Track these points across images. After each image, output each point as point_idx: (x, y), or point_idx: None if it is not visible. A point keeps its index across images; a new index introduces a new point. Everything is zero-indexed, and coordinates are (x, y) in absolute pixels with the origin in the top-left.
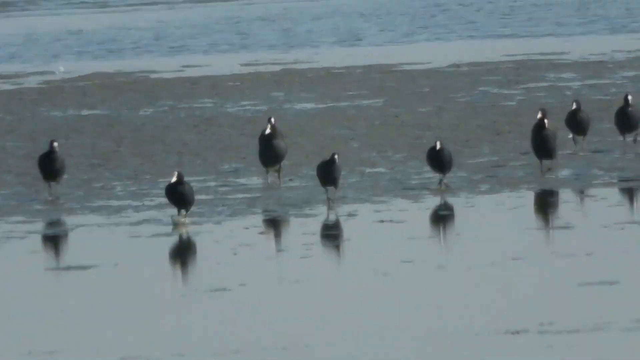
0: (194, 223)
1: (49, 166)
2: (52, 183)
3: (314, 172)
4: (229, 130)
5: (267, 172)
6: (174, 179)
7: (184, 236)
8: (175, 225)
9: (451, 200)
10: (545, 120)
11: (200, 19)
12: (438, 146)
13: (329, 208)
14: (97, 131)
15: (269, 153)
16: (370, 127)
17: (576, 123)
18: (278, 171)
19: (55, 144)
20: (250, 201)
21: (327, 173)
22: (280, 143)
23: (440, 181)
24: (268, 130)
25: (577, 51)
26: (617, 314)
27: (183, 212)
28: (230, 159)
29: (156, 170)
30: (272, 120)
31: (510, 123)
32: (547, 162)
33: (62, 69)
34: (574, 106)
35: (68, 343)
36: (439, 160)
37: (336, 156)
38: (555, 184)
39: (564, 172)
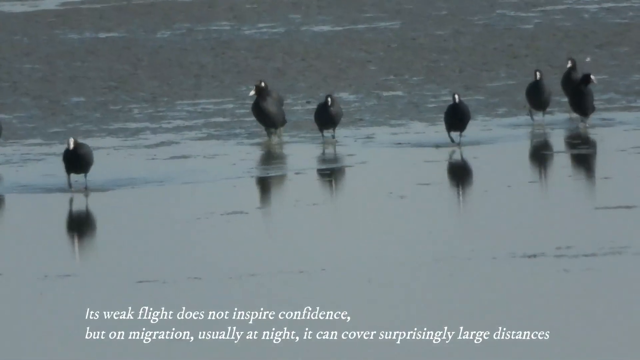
0: (210, 147)
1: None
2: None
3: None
4: (246, 53)
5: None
6: (71, 146)
7: (201, 158)
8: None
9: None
10: (592, 77)
11: None
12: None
13: (328, 148)
14: (114, 54)
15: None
16: (387, 50)
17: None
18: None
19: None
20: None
21: (324, 117)
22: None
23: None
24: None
25: None
26: (634, 238)
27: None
28: (247, 81)
29: (173, 93)
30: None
31: (527, 46)
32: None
33: None
34: (569, 64)
35: (84, 266)
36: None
37: (329, 99)
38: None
39: None
